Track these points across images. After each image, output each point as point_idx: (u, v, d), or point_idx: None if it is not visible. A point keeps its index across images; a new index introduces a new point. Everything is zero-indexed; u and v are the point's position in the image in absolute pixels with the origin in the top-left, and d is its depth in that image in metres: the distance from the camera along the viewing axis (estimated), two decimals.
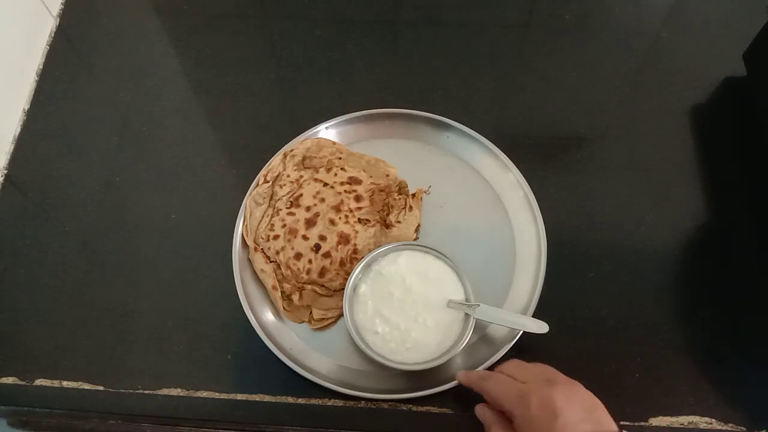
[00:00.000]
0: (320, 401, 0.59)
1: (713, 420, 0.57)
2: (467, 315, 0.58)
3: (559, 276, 0.63)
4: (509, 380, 0.51)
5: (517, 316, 0.59)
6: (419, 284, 0.60)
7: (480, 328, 0.61)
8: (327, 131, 0.70)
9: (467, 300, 0.59)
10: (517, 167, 0.67)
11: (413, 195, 0.67)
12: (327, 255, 0.62)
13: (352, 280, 0.60)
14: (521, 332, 0.59)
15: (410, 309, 0.59)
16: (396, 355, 0.58)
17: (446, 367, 0.58)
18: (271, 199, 0.66)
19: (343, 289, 0.61)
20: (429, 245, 0.61)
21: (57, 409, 0.60)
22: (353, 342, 0.58)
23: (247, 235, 0.64)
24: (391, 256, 0.61)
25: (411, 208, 0.66)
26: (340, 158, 0.68)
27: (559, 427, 0.45)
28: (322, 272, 0.62)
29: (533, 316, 0.60)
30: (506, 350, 0.59)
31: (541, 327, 0.57)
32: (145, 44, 0.79)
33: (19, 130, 0.74)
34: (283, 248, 0.63)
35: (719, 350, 0.61)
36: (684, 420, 0.58)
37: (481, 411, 0.54)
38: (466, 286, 0.60)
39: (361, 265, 0.61)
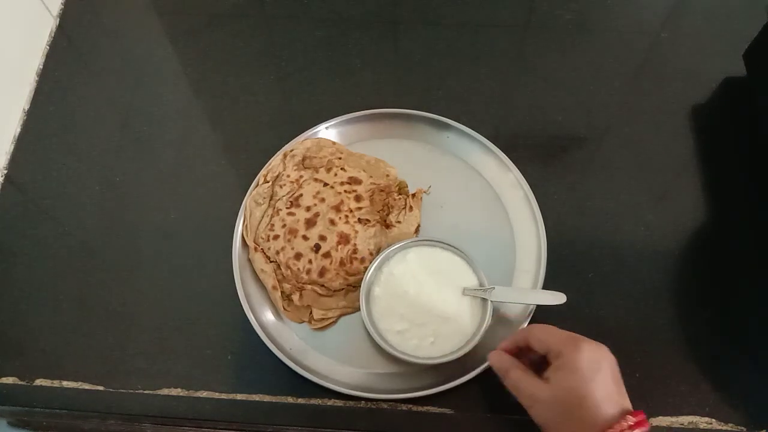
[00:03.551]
0: (320, 401, 0.59)
1: (713, 420, 0.57)
2: (484, 299, 0.58)
3: (559, 276, 0.63)
4: (557, 328, 0.51)
5: (533, 291, 0.60)
6: (432, 278, 0.60)
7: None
8: (327, 131, 0.70)
9: (481, 285, 0.59)
10: (517, 167, 0.67)
11: (413, 195, 0.67)
12: (327, 255, 0.62)
13: (365, 284, 0.60)
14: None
15: (427, 303, 0.59)
16: (421, 351, 0.58)
17: (446, 366, 0.58)
18: (271, 199, 0.66)
19: (343, 289, 0.61)
20: (434, 238, 0.61)
21: (57, 409, 0.60)
22: (370, 344, 0.59)
23: (247, 235, 0.64)
24: (399, 255, 0.61)
25: (411, 208, 0.66)
26: (340, 158, 0.68)
27: (600, 379, 0.47)
28: (322, 272, 0.62)
29: (533, 316, 0.60)
30: None
31: (558, 298, 0.57)
32: (145, 44, 0.79)
33: (19, 130, 0.74)
34: (283, 248, 0.63)
35: (719, 350, 0.61)
36: (684, 420, 0.58)
37: (497, 356, 0.54)
38: (478, 272, 0.60)
39: (371, 270, 0.60)
